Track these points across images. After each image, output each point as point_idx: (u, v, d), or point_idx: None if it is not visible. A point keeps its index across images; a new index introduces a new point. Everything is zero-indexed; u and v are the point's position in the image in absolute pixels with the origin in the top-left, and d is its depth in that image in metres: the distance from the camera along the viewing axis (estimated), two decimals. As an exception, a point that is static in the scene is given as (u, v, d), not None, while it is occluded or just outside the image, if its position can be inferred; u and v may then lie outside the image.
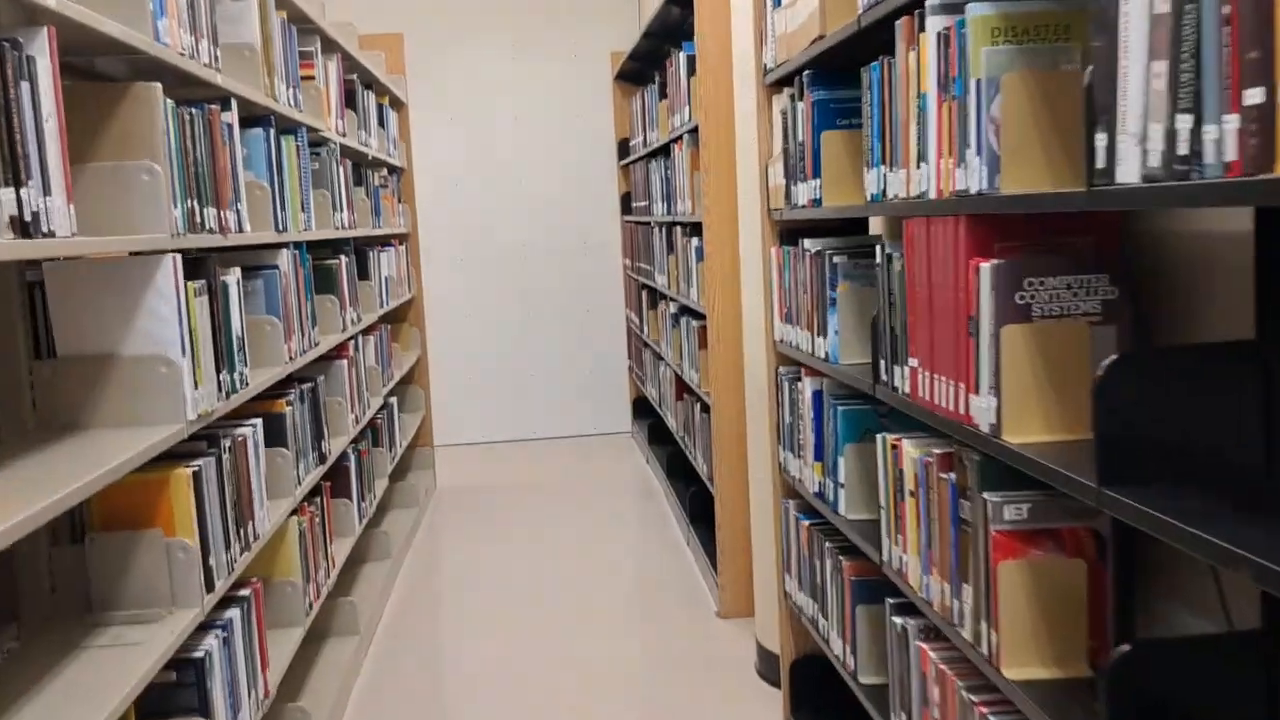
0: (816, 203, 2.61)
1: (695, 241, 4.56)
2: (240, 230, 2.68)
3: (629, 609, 4.38)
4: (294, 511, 3.11)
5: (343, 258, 4.06)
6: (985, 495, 1.74)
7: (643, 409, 7.54)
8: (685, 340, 4.95)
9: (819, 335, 2.65)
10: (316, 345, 3.50)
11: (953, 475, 1.89)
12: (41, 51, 1.75)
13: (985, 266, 1.68)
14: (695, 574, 4.69)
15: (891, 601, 2.27)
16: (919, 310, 1.97)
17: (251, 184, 2.91)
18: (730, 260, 4.09)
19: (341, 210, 4.03)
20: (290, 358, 3.10)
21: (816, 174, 2.60)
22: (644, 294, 6.56)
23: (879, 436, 2.29)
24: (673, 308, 5.38)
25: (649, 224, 6.13)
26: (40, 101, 1.72)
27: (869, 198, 2.27)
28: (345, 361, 4.00)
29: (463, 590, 4.72)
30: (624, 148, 7.46)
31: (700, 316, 4.69)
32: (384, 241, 5.60)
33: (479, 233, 7.68)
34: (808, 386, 2.77)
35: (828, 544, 2.71)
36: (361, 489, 4.21)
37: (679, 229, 5.01)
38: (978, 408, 1.71)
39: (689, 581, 4.61)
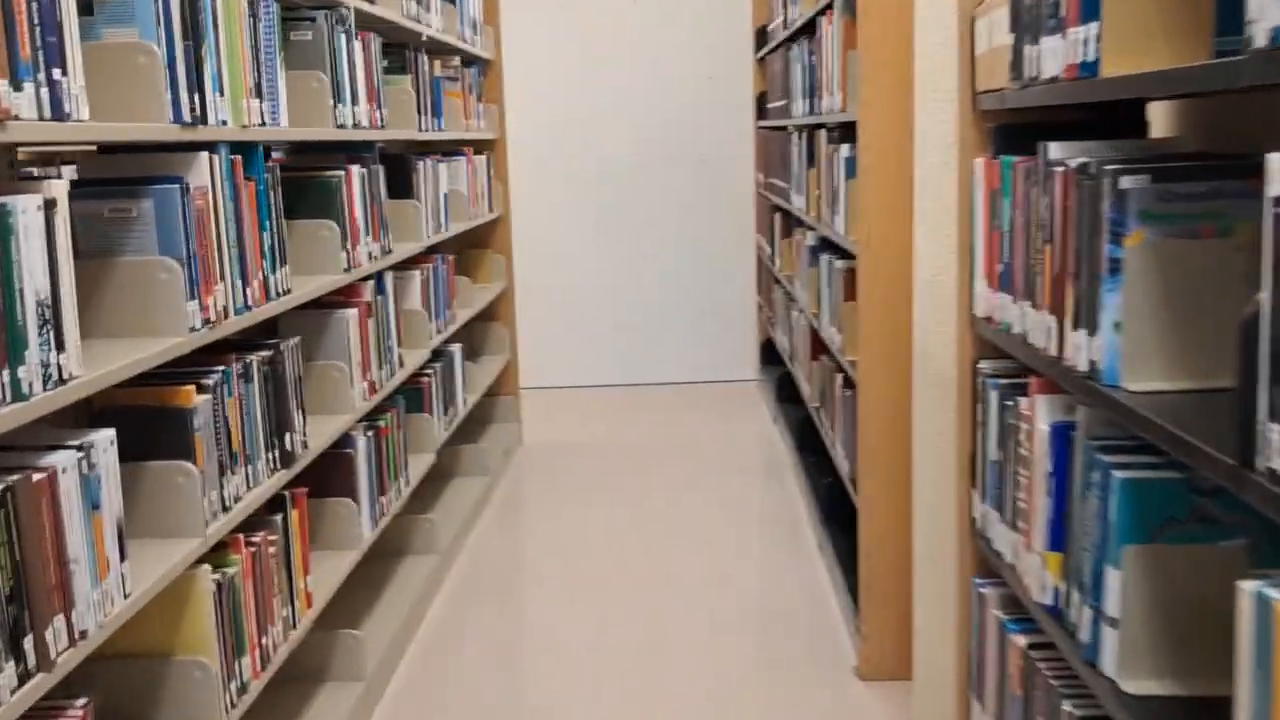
0: (1088, 70, 1.35)
1: (845, 150, 3.30)
2: (59, 115, 1.57)
3: (735, 646, 3.24)
4: (199, 560, 2.03)
5: (354, 169, 2.95)
6: None
7: (773, 354, 6.33)
8: (826, 285, 3.72)
9: (1079, 328, 1.41)
10: (281, 295, 2.41)
11: None
12: None
13: None
14: (829, 604, 3.51)
15: None
16: None
17: (117, 46, 1.79)
18: (896, 176, 2.84)
19: (349, 103, 2.91)
20: (209, 319, 2.01)
21: (1090, 14, 1.34)
22: (777, 218, 5.31)
23: (1210, 545, 1.06)
24: (810, 239, 4.14)
25: (785, 129, 4.86)
26: None
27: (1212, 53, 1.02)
28: (353, 311, 2.91)
29: (523, 606, 3.65)
30: (761, 36, 6.15)
31: (848, 255, 3.45)
32: (449, 149, 4.49)
33: (584, 140, 6.50)
34: (1043, 411, 1.54)
35: (1068, 706, 1.50)
36: (377, 480, 3.14)
37: (823, 134, 3.74)
38: None
39: (820, 615, 3.43)
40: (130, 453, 1.88)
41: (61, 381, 1.56)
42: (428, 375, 3.82)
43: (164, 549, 1.93)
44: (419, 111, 3.76)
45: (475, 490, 4.46)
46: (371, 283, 3.09)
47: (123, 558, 1.74)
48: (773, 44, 5.40)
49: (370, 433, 3.05)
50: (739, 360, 6.65)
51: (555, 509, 4.50)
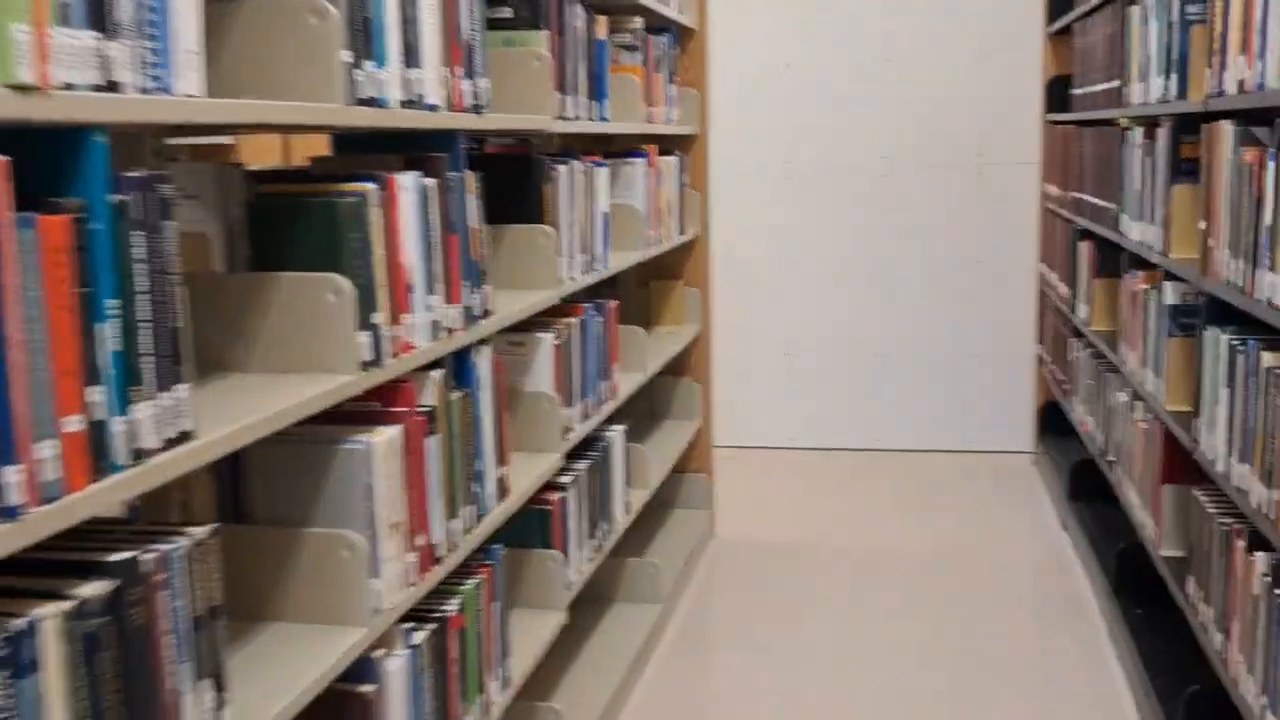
0: None
1: (1252, 155, 1.79)
2: None
3: None
4: None
5: (401, 180, 1.67)
6: None
7: (1056, 422, 4.76)
8: (1224, 381, 2.20)
9: None
10: (177, 441, 1.14)
11: None
12: None
13: None
14: None
15: None
16: None
17: None
18: None
19: (393, 61, 1.63)
20: None
21: None
22: (1084, 248, 3.76)
23: None
24: (1171, 294, 2.61)
25: (1111, 124, 3.33)
26: None
27: None
28: (387, 436, 1.63)
29: None
30: (1058, 2, 4.59)
31: (1274, 333, 1.93)
32: (619, 147, 3.19)
33: (812, 141, 5.09)
34: None
35: None
36: None
37: (1224, 128, 2.22)
38: None
39: None
40: None
41: None
42: (563, 488, 2.52)
43: None
44: (565, 89, 2.46)
45: (640, 625, 3.14)
46: (437, 375, 1.81)
47: None
48: (1085, 7, 3.85)
49: (418, 648, 1.76)
50: (1009, 427, 5.09)
51: (755, 661, 3.11)
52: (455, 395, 1.88)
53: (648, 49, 3.31)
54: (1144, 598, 3.08)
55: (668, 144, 3.73)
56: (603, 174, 2.71)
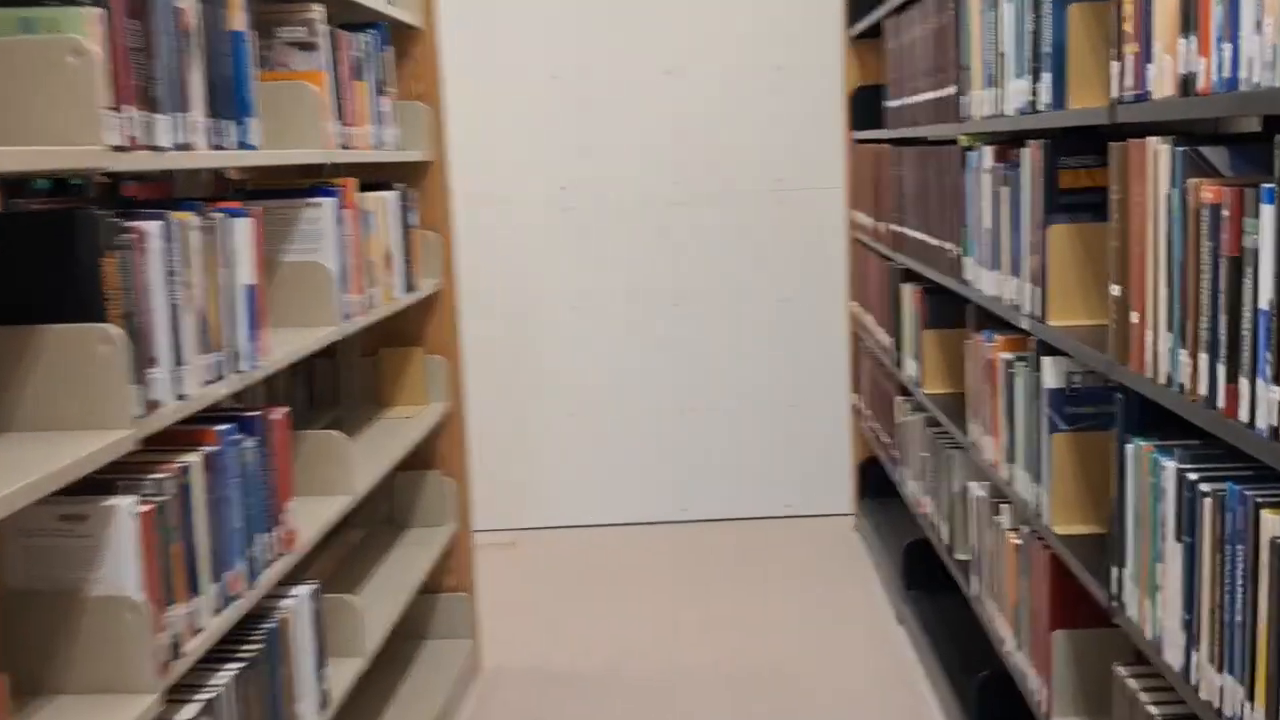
0: None
1: (1214, 191, 1.06)
2: None
3: None
4: None
5: None
6: None
7: (878, 482, 4.11)
8: (1162, 522, 1.48)
9: None
10: None
11: None
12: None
13: None
14: None
15: None
16: None
17: None
18: None
19: None
20: None
21: None
22: (912, 293, 3.07)
23: None
24: (1054, 375, 1.90)
25: (945, 143, 2.62)
26: None
27: None
28: None
29: None
30: (859, 3, 3.93)
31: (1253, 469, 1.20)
32: (289, 183, 2.29)
33: (589, 168, 4.28)
34: None
35: None
36: None
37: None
38: None
39: None
40: None
41: None
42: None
43: None
44: (150, 101, 1.55)
45: None
46: None
47: None
48: (895, 1, 3.17)
49: None
50: (826, 487, 4.41)
51: None
52: None
53: (339, 49, 2.42)
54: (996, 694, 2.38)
55: (385, 174, 2.84)
56: (240, 227, 1.80)
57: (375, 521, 3.25)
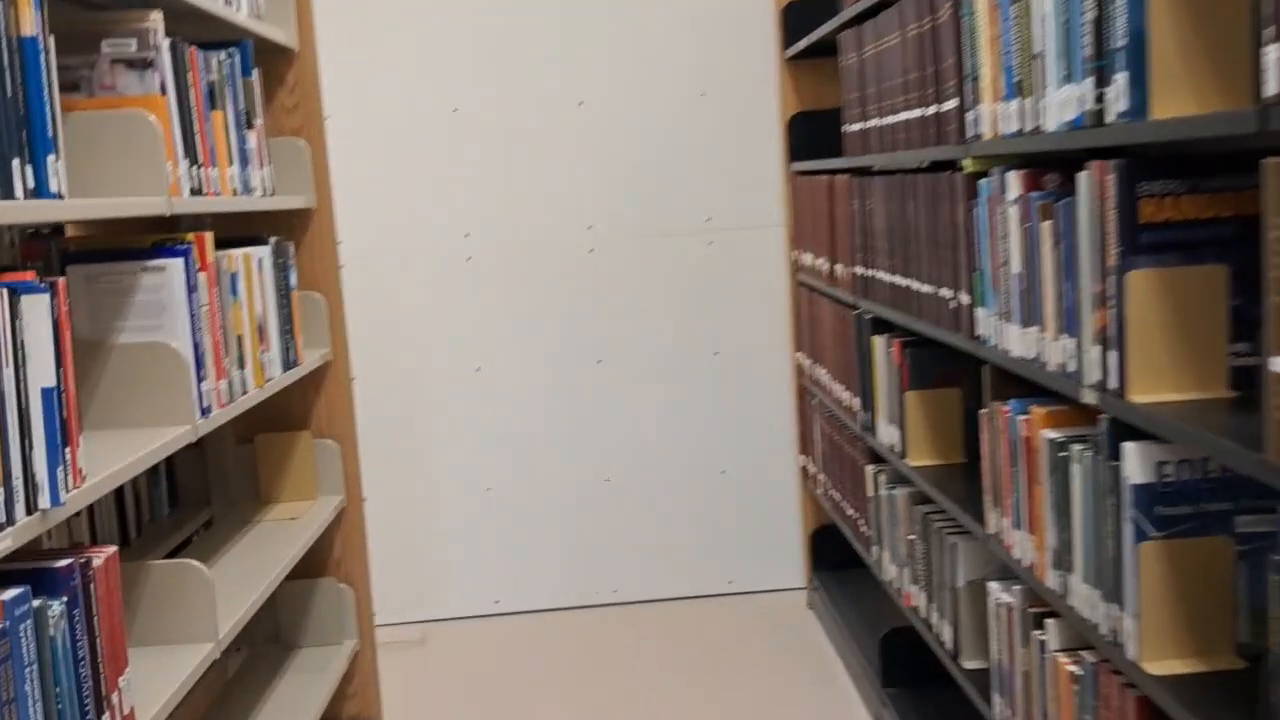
0: None
1: None
2: None
3: None
4: None
5: None
6: None
7: (834, 549, 3.68)
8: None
9: None
10: None
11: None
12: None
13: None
14: None
15: None
16: None
17: None
18: None
19: None
20: None
21: None
22: (887, 346, 2.63)
23: None
24: (1140, 468, 1.46)
25: (938, 168, 2.19)
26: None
27: None
28: None
29: None
30: (794, 17, 3.52)
31: None
32: (117, 245, 1.76)
33: (495, 211, 3.79)
34: None
35: None
36: None
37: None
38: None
39: None
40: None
41: None
42: None
43: None
44: None
45: None
46: None
47: None
48: (857, 8, 2.76)
49: None
50: (773, 560, 3.95)
51: None
52: None
53: (188, 70, 1.89)
54: None
55: (256, 226, 2.32)
56: (35, 305, 1.27)
57: (257, 641, 2.70)
